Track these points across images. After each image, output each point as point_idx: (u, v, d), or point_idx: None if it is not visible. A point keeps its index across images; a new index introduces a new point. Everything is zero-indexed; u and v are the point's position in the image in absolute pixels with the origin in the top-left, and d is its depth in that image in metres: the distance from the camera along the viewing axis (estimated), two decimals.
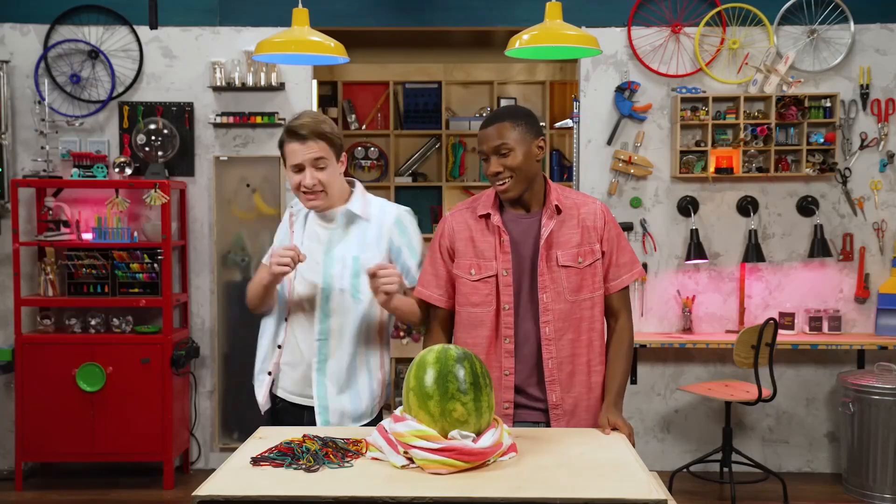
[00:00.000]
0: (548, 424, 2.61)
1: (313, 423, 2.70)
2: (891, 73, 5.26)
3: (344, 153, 2.76)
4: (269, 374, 2.82)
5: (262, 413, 2.86)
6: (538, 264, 2.57)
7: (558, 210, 2.59)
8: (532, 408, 2.62)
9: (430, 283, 2.70)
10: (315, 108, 6.38)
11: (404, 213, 2.80)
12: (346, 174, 2.83)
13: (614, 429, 2.46)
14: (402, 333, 6.47)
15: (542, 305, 2.57)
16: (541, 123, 6.88)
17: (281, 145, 2.72)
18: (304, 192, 2.69)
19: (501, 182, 2.54)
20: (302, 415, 2.77)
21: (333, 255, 2.73)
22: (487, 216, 2.62)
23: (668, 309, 5.35)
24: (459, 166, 7.03)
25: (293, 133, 2.66)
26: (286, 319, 2.79)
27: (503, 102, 6.95)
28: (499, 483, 1.98)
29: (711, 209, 5.35)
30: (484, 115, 7.01)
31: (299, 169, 2.67)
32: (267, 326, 2.87)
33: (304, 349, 2.76)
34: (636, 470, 2.09)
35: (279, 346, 2.80)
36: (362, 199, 2.79)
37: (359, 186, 2.83)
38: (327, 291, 2.71)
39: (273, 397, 2.85)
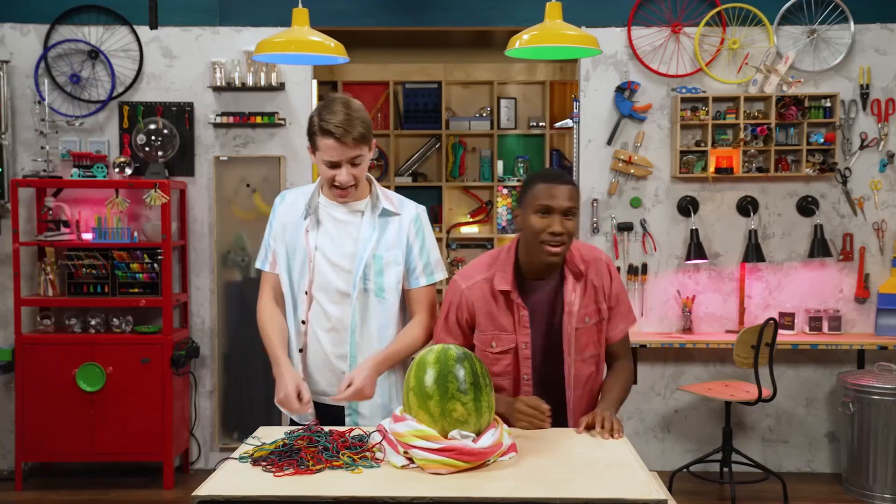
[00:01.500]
0: None
1: (325, 419, 2.63)
2: (891, 73, 5.26)
3: (374, 140, 2.68)
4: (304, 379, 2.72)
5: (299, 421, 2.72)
6: (563, 328, 2.57)
7: (577, 276, 2.58)
8: None
9: (446, 341, 2.60)
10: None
11: (423, 212, 2.78)
12: None
13: (590, 427, 2.44)
14: None
15: (566, 367, 2.59)
16: (540, 123, 6.92)
17: (312, 135, 2.61)
18: (336, 188, 2.64)
19: (557, 244, 2.48)
20: (328, 413, 2.70)
21: (361, 255, 2.67)
22: (506, 292, 2.57)
23: (668, 309, 5.35)
24: (459, 166, 7.03)
25: (330, 133, 2.55)
26: (304, 322, 2.72)
27: (503, 102, 6.95)
28: (499, 483, 1.98)
29: (711, 209, 5.35)
30: (484, 114, 7.01)
31: (335, 165, 2.60)
32: (291, 335, 2.78)
33: (329, 350, 2.70)
34: (636, 470, 2.09)
35: (300, 351, 2.74)
36: (383, 194, 2.75)
37: (375, 182, 2.78)
38: (355, 291, 2.67)
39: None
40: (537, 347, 2.60)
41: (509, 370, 2.60)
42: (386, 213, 2.71)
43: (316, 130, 2.59)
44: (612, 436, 2.38)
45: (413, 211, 2.75)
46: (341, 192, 2.64)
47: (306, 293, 2.70)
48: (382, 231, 2.69)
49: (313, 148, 2.64)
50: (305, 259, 2.70)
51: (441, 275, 2.78)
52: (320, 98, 6.79)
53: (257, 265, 2.86)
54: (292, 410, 2.61)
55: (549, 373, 2.61)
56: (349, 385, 2.55)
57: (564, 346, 2.58)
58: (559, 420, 2.59)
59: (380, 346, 2.69)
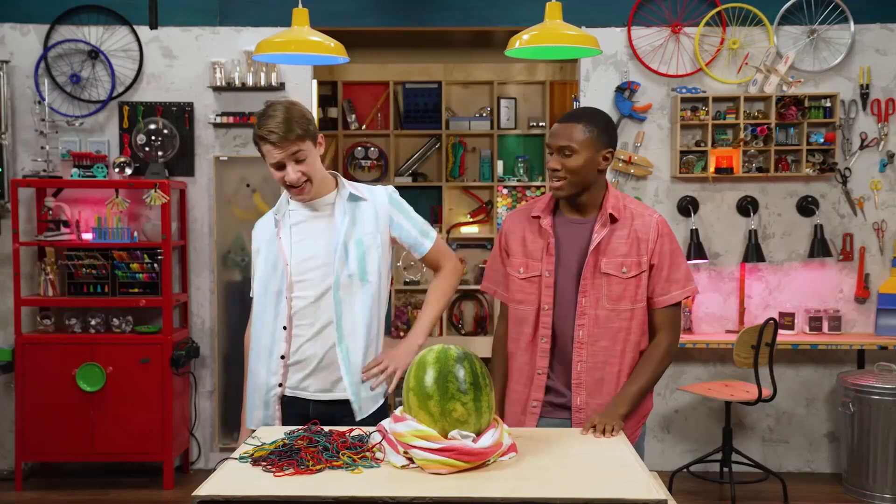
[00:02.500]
0: (570, 425, 2.64)
1: (319, 415, 2.64)
2: (891, 73, 5.26)
3: (320, 135, 2.75)
4: (280, 385, 2.75)
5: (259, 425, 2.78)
6: (583, 269, 2.61)
7: (612, 219, 2.62)
8: (559, 405, 2.66)
9: (491, 277, 2.84)
10: (315, 108, 6.37)
11: (393, 191, 2.86)
12: (346, 174, 2.83)
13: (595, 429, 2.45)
14: (401, 333, 6.47)
15: (579, 308, 2.61)
16: (540, 123, 6.91)
17: (255, 144, 2.69)
18: (290, 187, 2.70)
19: (556, 180, 2.60)
20: (307, 406, 2.73)
21: (336, 241, 2.71)
22: (540, 218, 2.68)
23: None
24: (459, 166, 7.02)
25: (266, 140, 2.63)
26: (285, 328, 2.73)
27: (503, 102, 6.95)
28: (499, 483, 1.98)
29: (711, 209, 5.35)
30: (484, 114, 7.02)
31: (280, 166, 2.67)
32: (261, 342, 2.80)
33: (310, 346, 2.72)
34: (636, 470, 2.09)
35: (282, 357, 2.74)
36: (350, 184, 2.81)
37: (340, 177, 2.83)
38: (337, 279, 2.69)
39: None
40: (563, 282, 2.64)
41: (532, 299, 2.67)
42: (354, 198, 2.77)
43: (256, 139, 2.68)
44: (603, 434, 2.40)
45: (384, 194, 2.83)
46: (296, 190, 2.70)
47: (287, 298, 2.72)
48: (355, 216, 2.75)
49: (262, 155, 2.71)
50: (283, 264, 2.74)
51: (433, 232, 2.89)
52: (320, 98, 6.79)
53: (250, 294, 2.91)
54: None
55: (572, 312, 2.63)
56: (378, 364, 2.74)
57: (581, 282, 2.61)
58: (569, 366, 2.63)
59: (366, 333, 2.73)
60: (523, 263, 2.70)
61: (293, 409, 2.76)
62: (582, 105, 5.33)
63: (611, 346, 2.62)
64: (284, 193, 2.82)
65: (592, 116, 2.62)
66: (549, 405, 2.67)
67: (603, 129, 2.60)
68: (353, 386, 2.71)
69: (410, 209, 2.86)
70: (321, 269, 2.71)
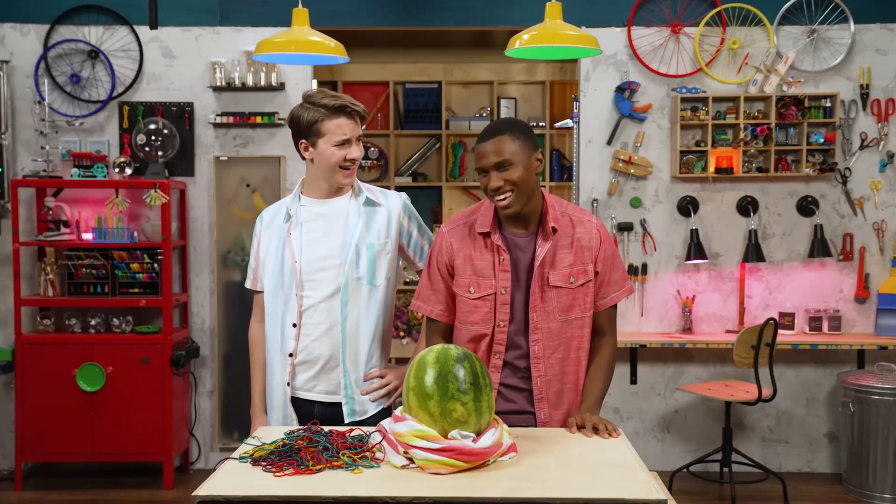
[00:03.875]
0: None
1: (325, 417, 2.66)
2: (891, 73, 5.26)
3: None
4: (288, 384, 2.77)
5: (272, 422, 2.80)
6: (531, 284, 2.55)
7: (553, 230, 2.55)
8: (520, 415, 2.62)
9: (430, 298, 2.67)
10: None
11: (407, 199, 2.87)
12: None
13: (581, 427, 2.42)
14: (402, 333, 6.47)
15: (531, 324, 2.57)
16: (540, 123, 6.91)
17: (314, 123, 2.67)
18: (346, 168, 2.72)
19: (503, 197, 2.49)
20: (312, 408, 2.75)
21: (349, 243, 2.72)
22: (486, 234, 2.58)
23: (668, 309, 5.35)
24: (459, 166, 7.03)
25: (344, 110, 2.67)
26: (294, 325, 2.74)
27: (503, 102, 6.95)
28: (499, 483, 1.98)
29: (711, 209, 5.35)
30: (484, 114, 7.02)
31: (346, 143, 2.70)
32: (273, 339, 2.81)
33: (317, 346, 2.73)
34: (636, 470, 2.09)
35: (290, 355, 2.75)
36: (364, 186, 2.82)
37: (356, 178, 2.85)
38: (346, 281, 2.70)
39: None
40: (515, 298, 2.57)
41: (488, 317, 2.58)
42: (370, 203, 2.78)
43: (321, 116, 2.67)
44: (609, 435, 2.38)
45: (399, 200, 2.84)
46: (349, 171, 2.73)
47: (297, 296, 2.72)
48: (369, 220, 2.76)
49: (317, 136, 2.70)
50: (291, 262, 2.74)
51: None
52: None
53: (246, 285, 2.98)
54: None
55: (525, 327, 2.59)
56: (379, 380, 2.77)
57: (530, 298, 2.55)
58: (527, 381, 2.59)
59: (371, 336, 2.74)
60: (473, 283, 2.58)
61: (300, 410, 2.77)
62: (581, 105, 5.33)
63: (565, 357, 2.59)
64: (297, 187, 2.82)
65: (512, 125, 2.53)
66: (511, 418, 2.59)
67: (526, 133, 2.52)
68: (348, 388, 2.72)
69: (421, 220, 2.88)
70: (334, 270, 2.71)
